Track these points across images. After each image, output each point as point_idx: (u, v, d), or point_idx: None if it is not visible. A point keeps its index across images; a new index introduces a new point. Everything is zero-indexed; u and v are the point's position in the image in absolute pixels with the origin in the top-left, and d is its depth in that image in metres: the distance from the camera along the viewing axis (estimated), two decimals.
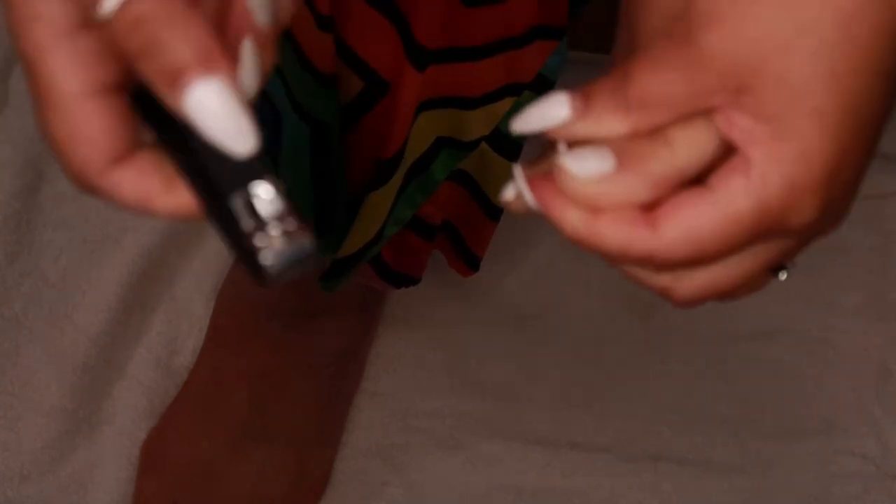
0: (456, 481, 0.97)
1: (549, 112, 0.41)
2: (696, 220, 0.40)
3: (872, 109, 0.40)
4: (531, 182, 0.42)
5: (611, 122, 0.41)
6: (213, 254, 1.00)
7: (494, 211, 0.76)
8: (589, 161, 0.41)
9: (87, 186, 0.40)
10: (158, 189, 0.40)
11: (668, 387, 1.00)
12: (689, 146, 0.41)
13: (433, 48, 0.63)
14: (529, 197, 0.42)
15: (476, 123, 0.69)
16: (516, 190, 0.43)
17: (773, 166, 0.40)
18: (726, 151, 0.41)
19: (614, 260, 0.42)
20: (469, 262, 0.79)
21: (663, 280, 0.43)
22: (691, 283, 0.43)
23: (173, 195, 0.40)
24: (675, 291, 0.44)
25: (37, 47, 0.38)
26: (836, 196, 0.41)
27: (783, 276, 0.46)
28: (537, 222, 1.02)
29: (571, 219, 0.41)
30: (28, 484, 0.94)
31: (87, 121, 0.39)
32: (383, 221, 0.72)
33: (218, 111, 0.37)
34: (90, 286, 0.98)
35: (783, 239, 0.42)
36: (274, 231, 0.38)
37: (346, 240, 0.74)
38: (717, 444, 0.99)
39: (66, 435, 0.95)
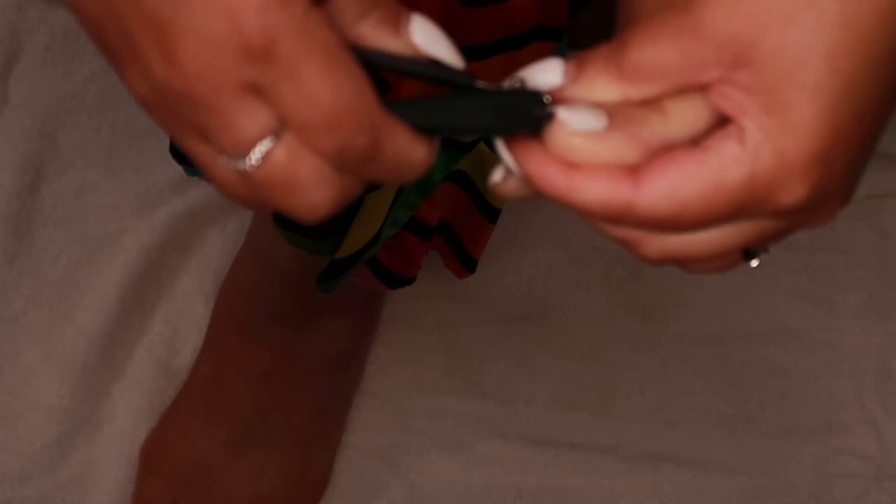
0: (456, 481, 0.97)
1: (541, 77, 0.42)
2: (683, 179, 0.40)
3: (871, 95, 0.40)
4: (510, 145, 0.42)
5: (602, 88, 0.41)
6: (213, 254, 1.00)
7: (492, 212, 0.76)
8: (583, 114, 0.41)
9: (363, 126, 0.40)
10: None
11: (669, 387, 1.00)
12: (682, 117, 0.41)
13: None
14: (509, 160, 0.42)
15: None
16: (503, 170, 0.43)
17: (765, 138, 0.40)
18: (719, 123, 0.41)
19: (593, 215, 0.42)
20: (465, 263, 0.79)
21: (634, 232, 0.43)
22: (663, 242, 0.43)
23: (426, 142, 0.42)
24: (644, 247, 0.43)
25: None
26: (829, 180, 0.41)
27: (755, 262, 0.45)
28: (538, 222, 1.03)
29: (550, 172, 0.41)
30: (28, 484, 0.94)
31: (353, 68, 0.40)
32: (381, 223, 0.72)
33: (435, 34, 0.42)
34: (90, 286, 0.98)
35: (767, 219, 0.42)
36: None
37: (344, 241, 0.74)
38: (717, 444, 0.99)
39: (66, 435, 0.95)
